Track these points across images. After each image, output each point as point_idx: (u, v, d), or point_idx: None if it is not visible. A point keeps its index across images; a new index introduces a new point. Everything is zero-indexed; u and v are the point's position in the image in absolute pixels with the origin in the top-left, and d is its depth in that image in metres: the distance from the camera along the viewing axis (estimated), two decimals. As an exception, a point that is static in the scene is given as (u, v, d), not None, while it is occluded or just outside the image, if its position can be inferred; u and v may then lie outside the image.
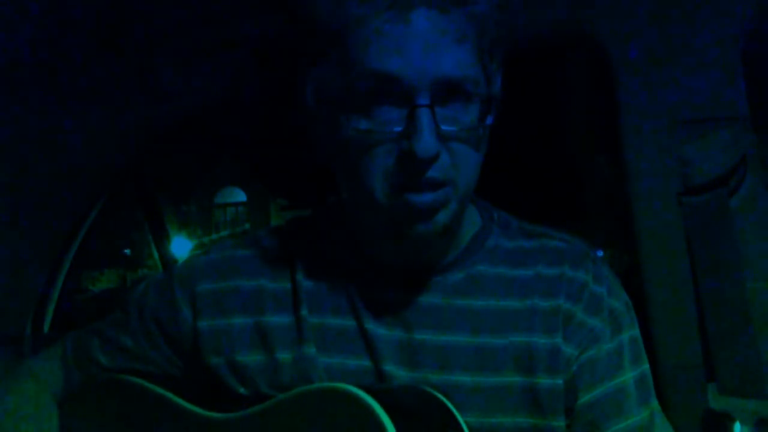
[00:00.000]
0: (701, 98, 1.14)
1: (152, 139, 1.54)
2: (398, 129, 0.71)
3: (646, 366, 0.86)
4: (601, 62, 1.20)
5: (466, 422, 0.75)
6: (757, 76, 1.14)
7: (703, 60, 1.14)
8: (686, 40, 1.14)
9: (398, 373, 0.82)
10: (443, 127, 0.71)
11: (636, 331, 0.86)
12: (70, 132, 1.46)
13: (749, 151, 1.13)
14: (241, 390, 0.86)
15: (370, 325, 0.83)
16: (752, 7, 1.12)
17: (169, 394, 0.91)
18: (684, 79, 1.15)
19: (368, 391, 0.72)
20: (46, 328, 1.59)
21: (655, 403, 0.85)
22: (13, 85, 1.38)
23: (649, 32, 1.16)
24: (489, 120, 0.75)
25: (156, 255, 2.03)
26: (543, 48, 1.37)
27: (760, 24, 1.12)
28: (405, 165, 0.72)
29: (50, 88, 1.44)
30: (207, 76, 1.44)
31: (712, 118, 1.14)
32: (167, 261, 2.00)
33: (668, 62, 1.15)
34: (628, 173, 1.19)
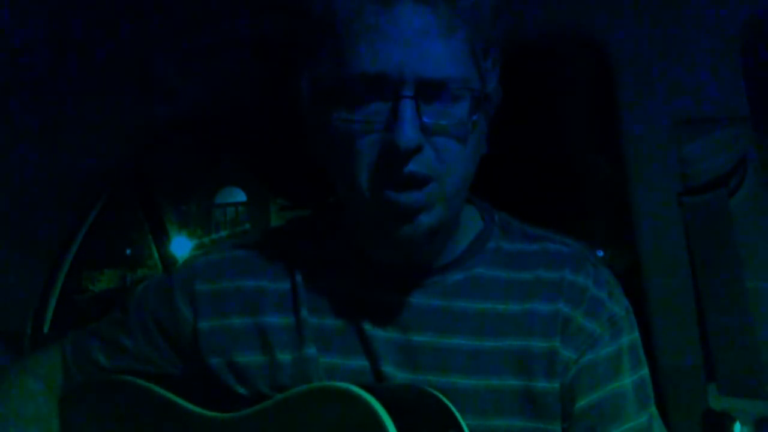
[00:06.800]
0: (701, 98, 1.14)
1: (152, 139, 1.54)
2: (382, 120, 0.71)
3: (646, 371, 0.85)
4: (600, 62, 1.20)
5: None
6: (757, 76, 1.14)
7: (703, 60, 1.14)
8: (686, 40, 1.14)
9: (396, 374, 0.82)
10: (426, 119, 0.71)
11: (636, 336, 0.86)
12: (69, 132, 1.46)
13: (749, 151, 1.13)
14: (241, 390, 0.86)
15: (369, 326, 0.83)
16: (752, 7, 1.12)
17: (169, 394, 0.91)
18: (684, 79, 1.15)
19: (369, 390, 0.72)
20: (46, 327, 1.59)
21: (653, 408, 0.85)
22: (12, 84, 1.38)
23: (649, 32, 1.16)
24: (476, 116, 0.74)
25: (156, 255, 2.02)
26: (543, 48, 1.37)
27: (760, 24, 1.12)
28: (388, 158, 0.72)
29: (50, 88, 1.44)
30: (207, 76, 1.44)
31: (712, 118, 1.14)
32: (167, 261, 2.00)
33: (668, 62, 1.15)
34: (628, 173, 1.19)
